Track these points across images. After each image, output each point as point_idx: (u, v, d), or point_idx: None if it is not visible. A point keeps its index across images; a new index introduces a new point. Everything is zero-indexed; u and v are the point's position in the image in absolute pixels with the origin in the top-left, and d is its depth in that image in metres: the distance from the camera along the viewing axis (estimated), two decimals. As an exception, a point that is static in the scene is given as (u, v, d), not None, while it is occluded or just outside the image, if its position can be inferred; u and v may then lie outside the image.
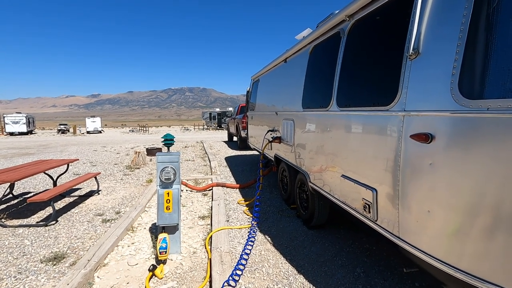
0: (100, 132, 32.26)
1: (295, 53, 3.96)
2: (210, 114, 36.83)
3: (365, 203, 2.10)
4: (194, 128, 38.81)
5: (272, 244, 3.14)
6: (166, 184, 2.88)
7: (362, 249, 2.96)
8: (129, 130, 36.33)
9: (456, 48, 1.41)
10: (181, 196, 3.11)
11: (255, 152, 9.67)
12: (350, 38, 2.47)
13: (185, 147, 13.21)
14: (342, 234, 3.30)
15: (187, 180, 6.08)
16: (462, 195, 1.41)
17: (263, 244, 3.14)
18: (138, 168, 7.75)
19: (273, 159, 4.86)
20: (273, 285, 2.38)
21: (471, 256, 1.41)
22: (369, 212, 2.06)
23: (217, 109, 36.86)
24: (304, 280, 2.46)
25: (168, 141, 2.97)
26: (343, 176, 2.44)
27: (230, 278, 2.38)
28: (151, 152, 9.93)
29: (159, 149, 10.13)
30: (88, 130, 31.99)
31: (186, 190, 5.45)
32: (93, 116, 33.23)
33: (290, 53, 4.13)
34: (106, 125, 54.42)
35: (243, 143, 10.36)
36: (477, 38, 1.34)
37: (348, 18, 2.51)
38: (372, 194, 2.01)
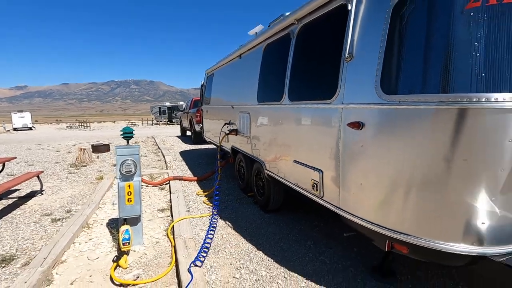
0: (31, 129, 28.63)
1: (249, 50, 4.20)
2: (160, 108, 35.29)
3: (314, 183, 2.47)
4: (143, 123, 36.83)
5: (233, 228, 3.39)
6: (127, 176, 2.91)
7: (311, 226, 3.37)
8: (67, 126, 32.90)
9: (378, 55, 1.79)
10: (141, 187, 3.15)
11: (211, 146, 9.75)
12: (298, 39, 2.79)
13: (135, 142, 12.63)
14: (295, 215, 3.69)
15: (142, 175, 5.96)
16: (385, 170, 1.82)
17: (224, 229, 3.37)
18: (85, 166, 7.28)
19: (230, 151, 5.07)
20: (236, 262, 2.64)
21: (393, 216, 1.84)
22: (317, 190, 2.43)
23: (167, 103, 35.49)
24: (263, 255, 2.76)
25: (127, 134, 2.99)
26: (295, 161, 2.78)
27: (196, 259, 2.56)
28: (97, 148, 9.34)
29: (106, 146, 9.57)
30: (15, 127, 28.15)
31: (142, 185, 5.38)
32: (21, 111, 29.26)
33: (244, 49, 4.36)
34: (36, 121, 48.31)
35: (197, 137, 10.34)
36: (392, 48, 1.73)
37: (296, 22, 2.83)
38: (319, 174, 2.38)
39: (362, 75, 1.92)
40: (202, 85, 7.46)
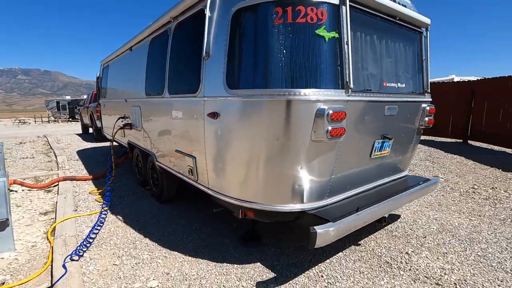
0: None
1: (138, 43, 4.18)
2: (58, 103, 30.44)
3: (190, 168, 2.74)
4: (36, 121, 31.19)
5: (123, 221, 3.41)
6: (-15, 178, 2.63)
7: (200, 210, 3.66)
8: None
9: (224, 55, 2.14)
10: (9, 189, 2.85)
11: (115, 143, 9.12)
12: (174, 37, 2.98)
13: (21, 143, 10.77)
14: (188, 203, 3.92)
15: (24, 179, 5.26)
16: (235, 152, 2.20)
17: (114, 223, 3.36)
18: None
19: (127, 146, 4.95)
20: (119, 251, 2.72)
21: (243, 190, 2.24)
22: (192, 175, 2.71)
23: (68, 97, 30.94)
24: (149, 241, 2.91)
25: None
26: (176, 150, 2.99)
27: (74, 254, 2.54)
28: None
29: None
30: None
31: (23, 190, 4.77)
32: None
33: (134, 42, 4.31)
34: None
35: (99, 134, 9.50)
36: (232, 50, 2.10)
37: (172, 20, 3.01)
38: (193, 160, 2.65)
39: (216, 72, 2.25)
40: (98, 78, 6.92)
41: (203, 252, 2.66)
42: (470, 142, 8.42)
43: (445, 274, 2.27)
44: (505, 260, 2.47)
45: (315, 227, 1.84)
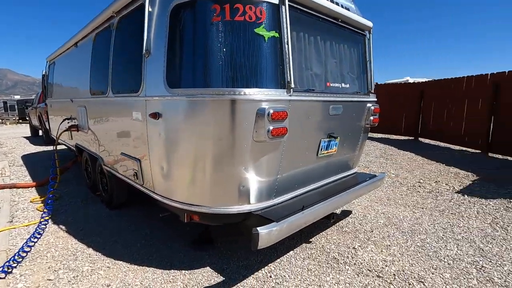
0: None
1: (83, 39, 3.90)
2: (5, 103, 27.69)
3: (135, 172, 2.59)
4: (-22, 123, 28.10)
5: (66, 231, 3.15)
6: None
7: (150, 215, 3.48)
8: None
9: (164, 53, 2.05)
10: None
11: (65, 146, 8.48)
12: (117, 33, 2.81)
13: (-44, 148, 9.60)
14: (141, 208, 3.73)
15: (-48, 189, 4.67)
16: (178, 154, 2.11)
17: (54, 233, 3.09)
18: None
19: (75, 149, 4.61)
20: (56, 264, 2.49)
21: (188, 193, 2.16)
22: (138, 178, 2.57)
23: (17, 96, 28.32)
24: (93, 251, 2.71)
25: None
26: (122, 153, 2.82)
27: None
28: None
29: None
30: None
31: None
32: None
33: (79, 37, 4.01)
34: None
35: (50, 137, 8.79)
36: (171, 48, 2.01)
37: (115, 14, 2.83)
38: (138, 164, 2.51)
39: (156, 71, 2.14)
40: (43, 76, 6.38)
41: (151, 260, 2.53)
42: (420, 139, 9.05)
43: (386, 266, 2.38)
44: (440, 249, 2.65)
45: (258, 228, 1.82)
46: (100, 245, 2.80)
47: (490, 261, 2.45)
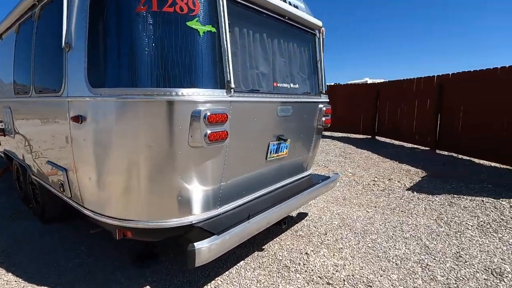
0: None
1: (7, 30, 3.41)
2: None
3: (61, 182, 2.26)
4: None
5: (-17, 253, 2.70)
6: None
7: (88, 230, 3.13)
8: None
9: (84, 48, 1.78)
10: None
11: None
12: (39, 24, 2.45)
13: None
14: (75, 222, 3.33)
15: None
16: (106, 163, 1.85)
17: (-33, 257, 2.63)
18: None
19: (4, 156, 4.05)
20: (-40, 296, 2.10)
21: (120, 207, 1.91)
22: (65, 190, 2.25)
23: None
24: (12, 276, 2.33)
25: None
26: (48, 162, 2.47)
27: None
28: None
29: None
30: None
31: None
32: None
33: (3, 28, 3.50)
34: None
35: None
36: (92, 42, 1.76)
37: (37, 3, 2.46)
38: (64, 173, 2.19)
39: (78, 68, 1.86)
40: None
41: (83, 281, 2.23)
42: (377, 138, 9.46)
43: (337, 271, 2.32)
44: (389, 249, 2.68)
45: (194, 243, 1.64)
46: (23, 268, 2.42)
47: (434, 259, 2.51)
